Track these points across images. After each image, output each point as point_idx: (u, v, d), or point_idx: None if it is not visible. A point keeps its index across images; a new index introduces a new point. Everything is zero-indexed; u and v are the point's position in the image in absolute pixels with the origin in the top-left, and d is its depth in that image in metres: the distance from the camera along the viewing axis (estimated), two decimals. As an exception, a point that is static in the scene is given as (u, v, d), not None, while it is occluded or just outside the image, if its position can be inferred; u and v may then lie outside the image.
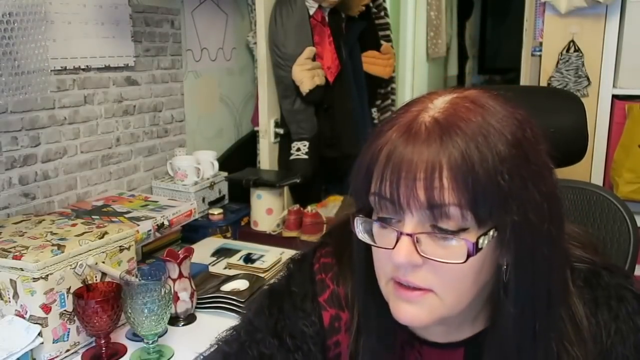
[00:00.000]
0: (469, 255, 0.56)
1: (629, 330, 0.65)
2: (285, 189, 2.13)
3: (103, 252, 1.21)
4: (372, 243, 0.61)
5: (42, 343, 1.10)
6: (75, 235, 1.20)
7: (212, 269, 1.55)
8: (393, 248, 0.57)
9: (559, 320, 0.64)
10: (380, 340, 0.68)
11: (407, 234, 0.57)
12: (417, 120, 0.58)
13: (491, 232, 0.57)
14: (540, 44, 2.30)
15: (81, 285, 1.16)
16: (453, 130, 0.56)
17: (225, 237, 1.89)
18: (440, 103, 0.59)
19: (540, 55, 2.29)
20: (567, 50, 2.25)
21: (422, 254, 0.57)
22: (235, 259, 1.63)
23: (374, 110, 2.58)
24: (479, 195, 0.55)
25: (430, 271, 0.58)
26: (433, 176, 0.55)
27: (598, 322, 0.65)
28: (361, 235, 0.62)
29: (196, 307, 1.32)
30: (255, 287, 1.37)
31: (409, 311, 0.60)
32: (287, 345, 0.72)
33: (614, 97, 2.23)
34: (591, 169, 2.25)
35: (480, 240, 0.56)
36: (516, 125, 0.59)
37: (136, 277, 1.20)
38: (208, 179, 1.95)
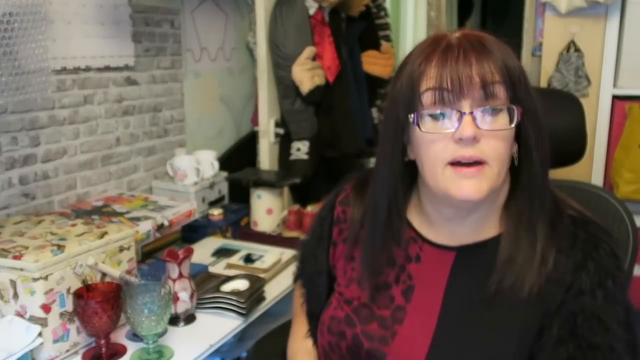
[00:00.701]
0: (512, 120, 0.75)
1: (595, 272, 0.76)
2: (285, 189, 2.13)
3: (103, 252, 1.21)
4: (434, 131, 0.76)
5: (42, 343, 1.10)
6: (75, 236, 1.20)
7: (212, 269, 1.55)
8: (456, 130, 0.73)
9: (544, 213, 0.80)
10: (393, 235, 0.85)
11: (469, 112, 0.73)
12: (450, 38, 0.77)
13: (520, 110, 0.75)
14: (540, 44, 2.30)
15: (81, 285, 1.16)
16: (485, 41, 0.76)
17: (225, 237, 1.89)
18: (458, 32, 0.79)
19: (540, 55, 2.29)
20: (567, 50, 2.25)
21: (480, 127, 0.73)
22: (235, 259, 1.63)
23: (374, 110, 2.58)
24: (515, 79, 0.75)
25: (484, 144, 0.73)
26: (483, 65, 0.73)
27: (569, 257, 0.77)
28: (424, 125, 0.76)
29: (196, 307, 1.32)
30: (255, 287, 1.37)
31: (471, 185, 0.74)
32: (321, 244, 0.97)
33: (614, 97, 2.23)
34: (591, 169, 2.25)
35: (518, 112, 0.75)
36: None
37: (136, 277, 1.20)
38: (208, 179, 1.95)
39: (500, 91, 0.74)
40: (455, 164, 0.74)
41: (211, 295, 1.34)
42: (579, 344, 0.75)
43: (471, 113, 0.73)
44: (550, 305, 0.76)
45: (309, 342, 0.99)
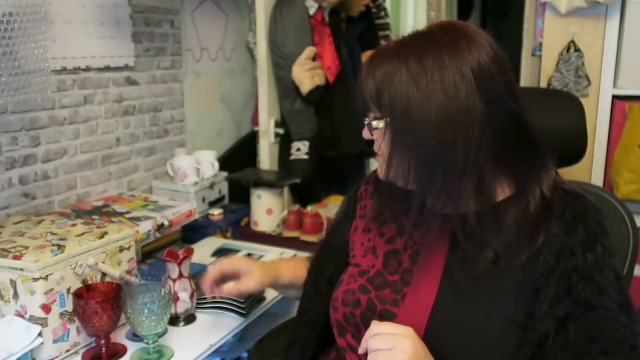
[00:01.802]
0: (373, 129, 0.89)
1: (585, 237, 0.81)
2: (285, 189, 2.13)
3: (103, 252, 1.21)
4: None
5: (42, 343, 1.10)
6: (75, 235, 1.20)
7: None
8: None
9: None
10: (399, 203, 0.92)
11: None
12: None
13: (382, 121, 0.86)
14: (540, 44, 2.30)
15: (81, 285, 1.16)
16: (377, 54, 0.87)
17: (225, 237, 1.89)
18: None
19: (540, 56, 2.29)
20: (567, 50, 2.25)
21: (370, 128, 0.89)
22: (235, 259, 1.63)
23: (374, 110, 2.58)
24: (377, 93, 0.86)
25: (377, 142, 0.89)
26: (365, 82, 0.87)
27: (560, 220, 0.83)
28: None
29: (196, 308, 1.32)
30: None
31: (378, 168, 0.91)
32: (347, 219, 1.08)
33: (614, 97, 2.22)
34: (591, 169, 2.25)
35: (380, 123, 0.86)
36: None
37: (136, 277, 1.20)
38: (208, 179, 1.95)
39: (372, 106, 0.86)
40: None
41: (211, 296, 1.33)
42: (575, 302, 0.79)
43: (366, 120, 0.90)
44: (544, 266, 0.81)
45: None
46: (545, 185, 0.86)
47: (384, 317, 0.89)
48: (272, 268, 1.18)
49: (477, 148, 0.80)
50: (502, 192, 0.87)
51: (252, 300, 1.35)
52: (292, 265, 1.21)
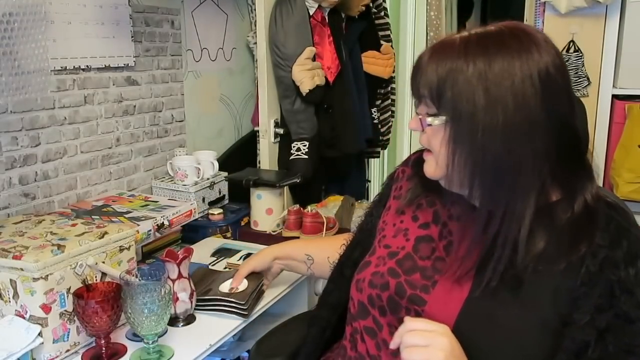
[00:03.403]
0: (426, 125, 0.89)
1: (628, 251, 0.81)
2: (285, 189, 2.13)
3: (103, 252, 1.21)
4: None
5: (42, 343, 1.10)
6: (75, 235, 1.20)
7: (212, 269, 1.55)
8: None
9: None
10: (442, 195, 0.95)
11: (417, 111, 0.89)
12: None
13: (440, 119, 0.85)
14: (540, 44, 2.29)
15: (81, 285, 1.16)
16: (430, 53, 0.86)
17: (225, 237, 1.89)
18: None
19: (540, 55, 2.28)
20: (567, 50, 2.25)
21: (420, 123, 0.88)
22: (235, 259, 1.63)
23: (374, 110, 2.58)
24: (439, 92, 0.84)
25: (427, 136, 0.88)
26: (418, 78, 0.87)
27: (605, 232, 0.82)
28: None
29: (195, 309, 1.32)
30: (254, 285, 1.36)
31: (425, 165, 0.92)
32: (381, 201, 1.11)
33: (614, 97, 2.23)
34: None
35: (438, 120, 0.85)
36: None
37: (136, 277, 1.20)
38: (208, 179, 1.95)
39: (427, 100, 0.85)
40: None
41: (210, 297, 1.33)
42: (616, 314, 0.79)
43: (419, 112, 0.89)
44: (586, 276, 0.81)
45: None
46: (589, 195, 0.85)
47: (413, 302, 0.89)
48: (288, 261, 1.36)
49: (543, 157, 0.80)
50: (549, 197, 0.87)
51: (252, 299, 1.34)
52: (326, 246, 1.32)
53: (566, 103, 0.82)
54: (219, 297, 1.32)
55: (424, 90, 0.84)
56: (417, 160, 1.02)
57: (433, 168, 0.89)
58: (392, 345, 0.83)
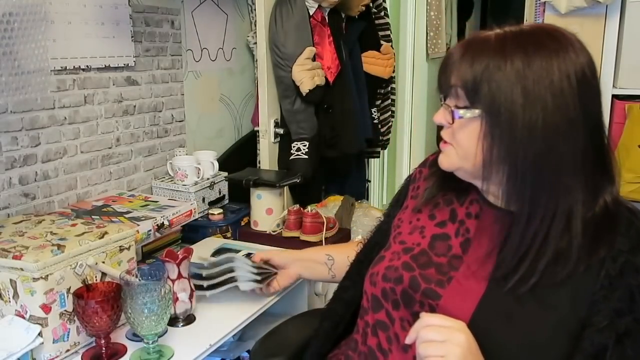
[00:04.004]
0: (461, 117, 0.87)
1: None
2: (285, 189, 2.13)
3: (103, 252, 1.21)
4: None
5: (42, 343, 1.10)
6: (75, 235, 1.20)
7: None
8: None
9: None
10: (459, 195, 0.97)
11: (444, 105, 0.89)
12: (463, 40, 0.89)
13: (474, 112, 0.84)
14: (540, 44, 2.29)
15: (81, 285, 1.16)
16: (466, 47, 0.86)
17: (225, 237, 1.89)
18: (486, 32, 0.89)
19: (540, 55, 2.29)
20: (567, 50, 2.24)
21: (446, 117, 0.88)
22: (235, 259, 1.63)
23: (374, 110, 2.58)
24: (474, 85, 0.83)
25: (454, 129, 0.88)
26: (453, 70, 0.86)
27: (625, 237, 0.83)
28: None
29: (207, 288, 1.32)
30: (266, 269, 1.38)
31: (441, 156, 0.92)
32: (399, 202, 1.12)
33: (614, 97, 2.23)
34: (591, 169, 2.25)
35: (473, 114, 0.85)
36: None
37: (136, 277, 1.20)
38: (208, 179, 1.95)
39: (461, 93, 0.85)
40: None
41: (225, 257, 1.35)
42: (635, 319, 0.80)
43: (447, 105, 0.88)
44: (606, 280, 0.81)
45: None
46: (609, 196, 0.86)
47: (428, 296, 0.89)
48: (309, 263, 1.37)
49: (582, 156, 0.81)
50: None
51: (265, 271, 1.37)
52: (344, 248, 1.35)
53: (599, 103, 0.84)
54: (231, 257, 1.35)
55: (457, 82, 0.85)
56: (434, 160, 1.03)
57: (451, 159, 0.90)
58: (408, 340, 0.83)
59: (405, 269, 0.93)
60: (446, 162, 0.91)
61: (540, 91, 0.79)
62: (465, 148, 0.87)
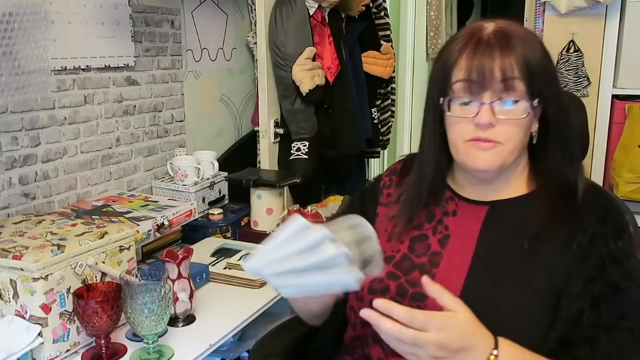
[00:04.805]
0: (526, 111, 0.87)
1: (614, 226, 0.88)
2: (285, 189, 2.13)
3: (103, 252, 1.21)
4: (459, 115, 0.89)
5: (42, 343, 1.10)
6: (75, 235, 1.20)
7: (212, 269, 1.55)
8: (475, 115, 0.87)
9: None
10: (436, 197, 0.99)
11: (489, 102, 0.86)
12: (483, 33, 0.88)
13: (536, 102, 0.87)
14: (540, 44, 2.29)
15: (81, 285, 1.16)
16: (511, 36, 0.87)
17: (225, 237, 1.89)
18: (491, 24, 0.90)
19: (540, 55, 2.28)
20: (567, 50, 2.25)
21: (496, 115, 0.86)
22: (235, 259, 1.63)
23: (374, 110, 2.58)
24: (534, 74, 0.86)
25: (500, 128, 0.87)
26: (504, 60, 0.85)
27: (592, 211, 0.89)
28: (453, 109, 0.90)
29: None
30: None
31: (486, 158, 0.88)
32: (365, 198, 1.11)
33: (614, 97, 2.23)
34: (591, 169, 2.25)
35: (534, 103, 0.87)
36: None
37: (136, 277, 1.20)
38: (208, 179, 1.95)
39: (519, 85, 0.86)
40: (475, 138, 0.89)
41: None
42: (606, 283, 0.84)
43: (491, 103, 0.86)
44: (577, 251, 0.86)
45: None
46: (579, 176, 0.93)
47: (416, 299, 0.91)
48: None
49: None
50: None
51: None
52: None
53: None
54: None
55: (514, 74, 0.86)
56: (403, 168, 1.07)
57: (503, 158, 0.89)
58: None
59: (391, 278, 0.94)
60: (494, 162, 0.89)
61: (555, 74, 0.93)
62: (516, 142, 0.88)
